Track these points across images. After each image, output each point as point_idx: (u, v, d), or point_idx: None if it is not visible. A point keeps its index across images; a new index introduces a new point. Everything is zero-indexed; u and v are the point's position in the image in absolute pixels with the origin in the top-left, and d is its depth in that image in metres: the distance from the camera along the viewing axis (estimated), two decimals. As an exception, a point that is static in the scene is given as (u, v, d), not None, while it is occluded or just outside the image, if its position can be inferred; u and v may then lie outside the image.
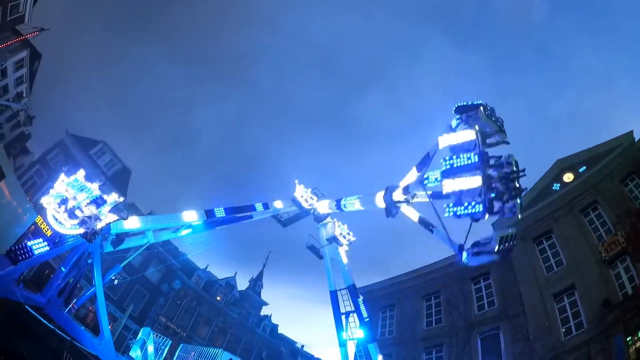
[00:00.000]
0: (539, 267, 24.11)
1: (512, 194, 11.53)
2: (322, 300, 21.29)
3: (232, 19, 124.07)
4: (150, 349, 19.98)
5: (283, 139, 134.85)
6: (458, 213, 11.75)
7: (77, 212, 12.82)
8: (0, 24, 31.73)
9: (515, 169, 11.68)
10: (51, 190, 13.10)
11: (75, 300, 16.07)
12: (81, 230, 12.79)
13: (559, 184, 25.80)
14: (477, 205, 11.34)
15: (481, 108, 12.23)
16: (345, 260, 20.27)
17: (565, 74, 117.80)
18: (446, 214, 12.19)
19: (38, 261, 12.67)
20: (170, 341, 22.37)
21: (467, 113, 12.55)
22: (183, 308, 41.73)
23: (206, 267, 47.14)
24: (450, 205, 12.04)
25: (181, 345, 24.31)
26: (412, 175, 14.85)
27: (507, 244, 11.85)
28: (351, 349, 17.99)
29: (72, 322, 14.04)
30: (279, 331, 52.50)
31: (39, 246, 12.17)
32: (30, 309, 11.70)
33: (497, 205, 11.49)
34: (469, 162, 11.84)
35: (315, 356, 55.91)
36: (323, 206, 20.73)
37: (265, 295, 53.87)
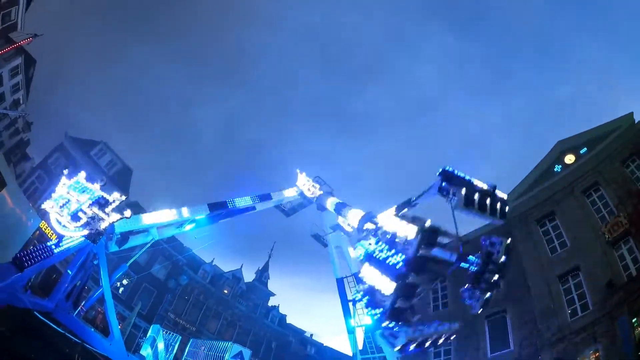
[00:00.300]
0: (543, 249, 24.14)
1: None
2: (329, 289, 21.35)
3: (232, 18, 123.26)
4: (161, 346, 20.10)
5: (284, 135, 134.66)
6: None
7: (80, 214, 12.76)
8: (-7, 33, 31.64)
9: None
10: (53, 194, 13.06)
11: (83, 302, 16.13)
12: (85, 232, 12.74)
13: (560, 166, 25.72)
14: (377, 310, 9.41)
15: (463, 190, 9.31)
16: (349, 247, 20.28)
17: (565, 59, 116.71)
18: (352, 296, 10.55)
19: (44, 266, 12.54)
20: (180, 337, 22.47)
21: (450, 183, 9.70)
22: (191, 303, 41.97)
23: (212, 261, 47.30)
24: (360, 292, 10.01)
25: (191, 340, 24.45)
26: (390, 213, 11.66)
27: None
28: (360, 335, 18.15)
29: (82, 324, 13.93)
30: (288, 321, 52.81)
31: (43, 251, 12.12)
32: (39, 315, 11.68)
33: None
34: (390, 262, 9.31)
35: (324, 344, 56.44)
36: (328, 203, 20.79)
37: (272, 286, 54.13)
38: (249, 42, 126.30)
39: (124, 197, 14.10)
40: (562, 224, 23.95)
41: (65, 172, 13.34)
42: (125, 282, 36.91)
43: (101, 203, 13.04)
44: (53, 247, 12.41)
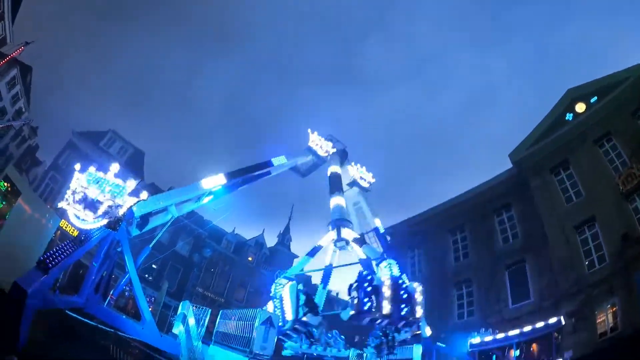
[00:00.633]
0: (559, 198, 23.82)
1: None
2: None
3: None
4: (192, 321, 20.74)
5: (290, 99, 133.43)
6: None
7: (97, 205, 12.78)
8: (-19, 51, 31.23)
9: None
10: (67, 191, 13.09)
11: (112, 291, 16.60)
12: (105, 221, 12.77)
13: (572, 114, 24.93)
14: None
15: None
16: (366, 202, 20.33)
17: (568, 3, 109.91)
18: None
19: (69, 263, 12.47)
20: (210, 310, 23.13)
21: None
22: (217, 275, 42.66)
23: (233, 230, 47.73)
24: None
25: (221, 311, 25.15)
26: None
27: None
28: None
29: (113, 313, 14.24)
30: (312, 282, 54.09)
31: (65, 249, 12.10)
32: (71, 313, 12.04)
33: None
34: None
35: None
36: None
37: (294, 247, 54.51)
38: (247, 14, 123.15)
39: (137, 182, 14.13)
40: (577, 173, 23.47)
41: (77, 167, 13.19)
42: (153, 266, 37.89)
43: (116, 190, 13.06)
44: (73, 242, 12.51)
